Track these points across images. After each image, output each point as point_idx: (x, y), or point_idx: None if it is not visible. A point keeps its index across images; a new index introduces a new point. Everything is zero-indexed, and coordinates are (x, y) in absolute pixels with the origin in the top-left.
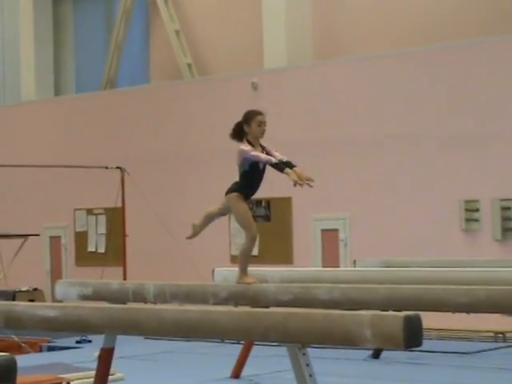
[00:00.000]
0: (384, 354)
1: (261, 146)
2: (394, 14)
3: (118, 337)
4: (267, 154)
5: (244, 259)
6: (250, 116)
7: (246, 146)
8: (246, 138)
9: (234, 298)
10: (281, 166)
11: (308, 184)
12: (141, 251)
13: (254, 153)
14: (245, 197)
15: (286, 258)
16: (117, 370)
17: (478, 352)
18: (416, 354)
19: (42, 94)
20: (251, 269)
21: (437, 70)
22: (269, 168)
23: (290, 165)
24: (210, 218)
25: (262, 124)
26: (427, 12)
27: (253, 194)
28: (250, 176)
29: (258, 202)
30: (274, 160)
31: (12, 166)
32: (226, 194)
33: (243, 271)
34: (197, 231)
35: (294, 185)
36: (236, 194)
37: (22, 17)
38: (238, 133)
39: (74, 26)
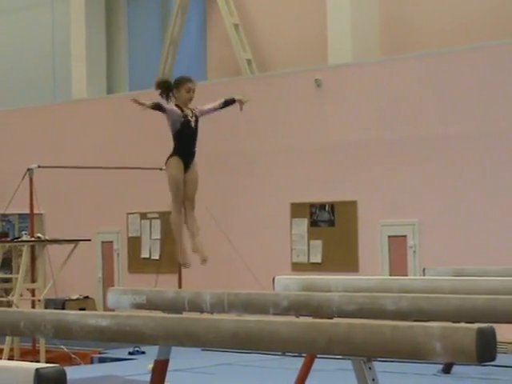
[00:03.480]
0: (455, 368)
1: (190, 109)
2: (467, 6)
3: (173, 348)
4: (196, 118)
5: (174, 231)
6: (180, 82)
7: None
8: (175, 102)
9: (296, 308)
10: (228, 102)
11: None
12: (197, 258)
13: (168, 106)
14: (182, 158)
15: (350, 265)
16: None
17: None
18: (489, 368)
19: (93, 92)
20: (315, 277)
21: None
22: (330, 172)
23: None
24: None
25: (190, 91)
26: (502, 4)
27: (189, 153)
28: (183, 134)
29: (322, 206)
30: (218, 104)
31: (61, 167)
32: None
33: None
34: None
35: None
36: (172, 158)
37: (73, 11)
38: (165, 89)
39: (127, 20)
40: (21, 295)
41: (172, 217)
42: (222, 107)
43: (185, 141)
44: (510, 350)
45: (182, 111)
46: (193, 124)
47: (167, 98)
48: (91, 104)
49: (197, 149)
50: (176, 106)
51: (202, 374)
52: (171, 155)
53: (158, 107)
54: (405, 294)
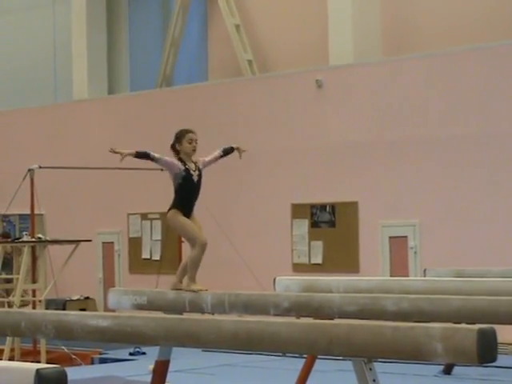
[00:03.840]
0: (456, 369)
1: (193, 162)
2: (468, 8)
3: (174, 349)
4: (199, 172)
5: (193, 267)
6: (181, 134)
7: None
8: (178, 156)
9: (297, 309)
10: (227, 150)
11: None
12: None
13: (167, 158)
14: (182, 212)
15: (351, 266)
16: None
17: None
18: (490, 369)
19: (94, 93)
20: (315, 277)
21: None
22: (331, 173)
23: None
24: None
25: (192, 141)
26: (502, 5)
27: (190, 207)
28: (184, 188)
29: (323, 207)
30: (218, 154)
31: (62, 167)
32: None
33: (191, 278)
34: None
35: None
36: (172, 211)
37: (74, 12)
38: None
39: (128, 21)
40: (24, 294)
41: (194, 255)
42: (222, 156)
43: (186, 196)
44: (510, 351)
45: (185, 165)
46: (195, 178)
47: (176, 152)
48: (92, 104)
49: (196, 203)
50: (179, 159)
51: (203, 374)
52: (171, 208)
53: (144, 156)
54: (406, 294)
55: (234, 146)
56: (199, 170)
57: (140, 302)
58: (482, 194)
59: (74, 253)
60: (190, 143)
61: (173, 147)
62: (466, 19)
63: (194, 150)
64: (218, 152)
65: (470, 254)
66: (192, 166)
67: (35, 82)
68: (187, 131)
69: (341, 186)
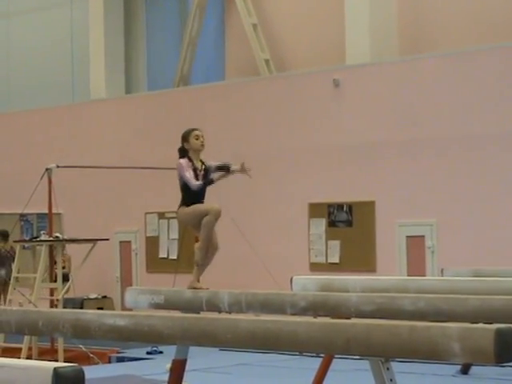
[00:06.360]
0: (473, 369)
1: (201, 161)
2: (485, 7)
3: (191, 348)
4: (205, 171)
5: (206, 237)
6: (187, 133)
7: (184, 162)
8: (187, 155)
9: (314, 308)
10: (224, 167)
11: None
12: (215, 258)
13: (187, 174)
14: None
15: (368, 265)
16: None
17: None
18: (508, 369)
19: (112, 92)
20: (332, 277)
21: None
22: (348, 172)
23: (225, 166)
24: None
25: (199, 137)
26: None
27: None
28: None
29: (340, 206)
30: (210, 177)
31: (80, 167)
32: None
33: (203, 249)
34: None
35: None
36: (180, 208)
37: (92, 11)
38: (183, 155)
39: (145, 20)
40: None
41: (208, 219)
42: (218, 170)
43: (193, 194)
44: None
45: (193, 165)
46: (201, 178)
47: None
48: (109, 104)
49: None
50: (188, 158)
51: (220, 373)
52: (180, 206)
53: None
54: (423, 294)
55: (234, 166)
56: (205, 170)
57: (157, 301)
58: (500, 193)
59: (91, 252)
60: (197, 139)
61: (181, 149)
62: (483, 18)
63: (203, 145)
64: (215, 164)
65: (487, 254)
66: (199, 165)
67: (53, 81)
68: (192, 129)
69: (358, 185)
